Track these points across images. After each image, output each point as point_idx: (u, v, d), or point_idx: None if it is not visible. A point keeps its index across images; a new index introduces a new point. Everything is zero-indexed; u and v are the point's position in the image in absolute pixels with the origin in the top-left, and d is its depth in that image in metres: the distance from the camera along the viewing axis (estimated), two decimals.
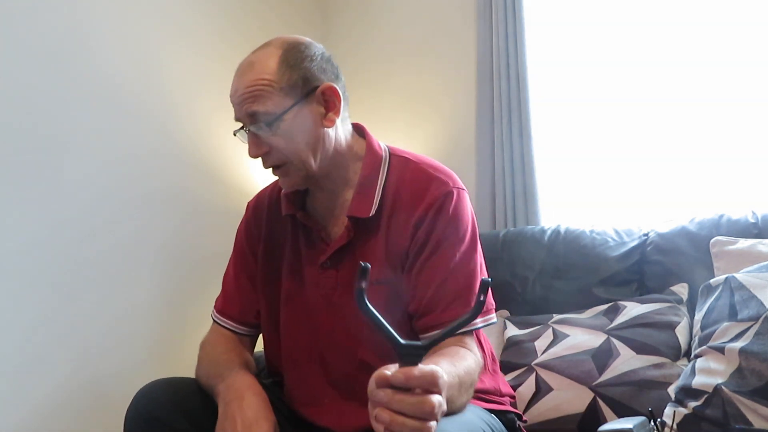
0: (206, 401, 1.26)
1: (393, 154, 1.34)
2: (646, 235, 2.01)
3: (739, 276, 1.59)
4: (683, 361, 1.66)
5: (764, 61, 2.07)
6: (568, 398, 1.66)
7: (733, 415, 1.39)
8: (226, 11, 2.54)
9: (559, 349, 1.75)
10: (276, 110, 1.21)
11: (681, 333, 1.71)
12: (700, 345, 1.56)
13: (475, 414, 1.17)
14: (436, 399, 0.81)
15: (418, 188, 1.26)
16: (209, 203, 2.40)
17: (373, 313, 0.81)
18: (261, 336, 1.45)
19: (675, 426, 1.46)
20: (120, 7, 2.20)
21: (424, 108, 2.68)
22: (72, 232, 2.03)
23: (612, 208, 2.25)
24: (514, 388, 1.68)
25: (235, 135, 1.28)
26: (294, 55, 1.23)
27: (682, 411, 1.47)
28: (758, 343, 1.43)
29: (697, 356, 1.54)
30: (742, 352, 1.44)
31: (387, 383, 0.81)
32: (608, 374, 1.65)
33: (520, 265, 2.10)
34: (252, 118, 1.23)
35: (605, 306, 1.86)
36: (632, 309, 1.79)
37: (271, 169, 1.28)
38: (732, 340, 1.48)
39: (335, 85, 1.25)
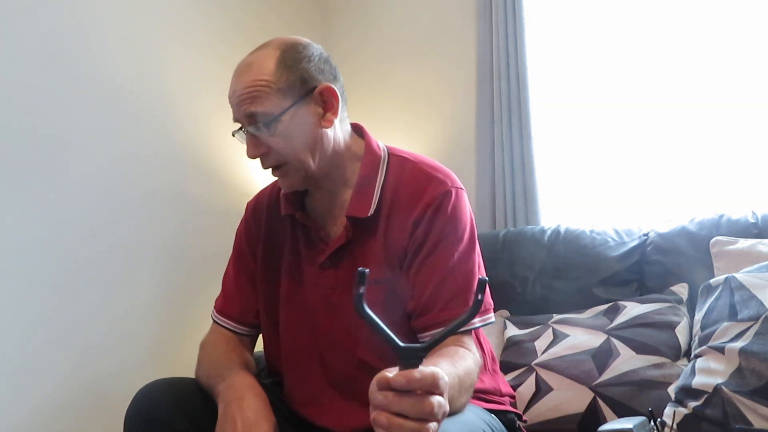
0: (206, 401, 1.26)
1: (392, 154, 1.34)
2: (646, 235, 2.01)
3: (739, 276, 1.59)
4: (683, 361, 1.66)
5: (764, 61, 2.07)
6: (568, 398, 1.66)
7: (733, 415, 1.39)
8: (226, 11, 2.54)
9: (559, 349, 1.75)
10: (274, 111, 1.21)
11: (681, 333, 1.71)
12: (700, 345, 1.56)
13: (475, 414, 1.17)
14: (436, 399, 0.81)
15: (417, 188, 1.26)
16: (209, 203, 2.40)
17: (371, 317, 0.81)
18: (261, 336, 1.45)
19: (675, 426, 1.46)
20: (120, 7, 2.20)
21: (424, 108, 2.68)
22: (72, 232, 2.03)
23: (612, 208, 2.25)
24: (514, 388, 1.68)
25: (233, 136, 1.29)
26: (292, 56, 1.23)
27: (682, 411, 1.47)
28: (758, 343, 1.43)
29: (697, 356, 1.54)
30: (742, 352, 1.44)
31: (388, 386, 0.81)
32: (608, 374, 1.65)
33: (520, 265, 2.10)
34: (250, 119, 1.23)
35: (605, 306, 1.86)
36: (632, 309, 1.79)
37: (270, 169, 1.28)
38: (732, 340, 1.48)
39: (333, 86, 1.25)
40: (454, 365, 1.06)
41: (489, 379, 1.34)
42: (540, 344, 1.80)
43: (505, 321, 1.97)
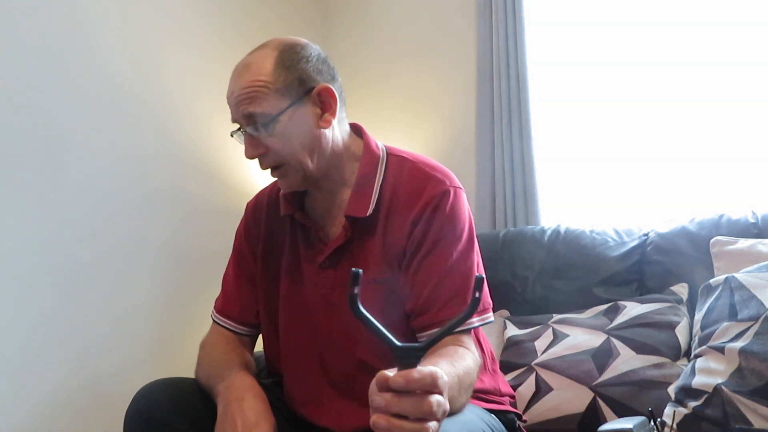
0: (206, 401, 1.26)
1: (390, 154, 1.34)
2: (646, 235, 2.01)
3: (739, 276, 1.59)
4: (683, 361, 1.66)
5: (764, 61, 2.07)
6: (568, 398, 1.66)
7: (733, 415, 1.39)
8: (226, 11, 2.54)
9: (559, 349, 1.75)
10: (272, 111, 1.21)
11: (681, 333, 1.71)
12: (700, 345, 1.56)
13: (475, 414, 1.17)
14: (435, 399, 0.81)
15: (415, 187, 1.26)
16: (209, 203, 2.41)
17: (367, 317, 0.80)
18: (261, 336, 1.45)
19: (675, 426, 1.46)
20: (120, 7, 2.20)
21: (424, 108, 2.68)
22: (72, 232, 2.03)
23: (612, 208, 2.25)
24: (514, 388, 1.68)
25: (232, 136, 1.29)
26: (290, 57, 1.23)
27: (682, 411, 1.47)
28: (758, 343, 1.43)
29: (697, 356, 1.54)
30: (742, 352, 1.44)
31: (387, 387, 0.81)
32: (608, 374, 1.65)
33: (520, 265, 2.10)
34: (248, 120, 1.23)
35: (605, 306, 1.86)
36: (632, 309, 1.79)
37: (269, 170, 1.29)
38: (732, 340, 1.48)
39: (331, 86, 1.26)
40: (454, 365, 1.06)
41: (489, 379, 1.34)
42: (540, 344, 1.80)
43: (505, 321, 1.97)
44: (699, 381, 1.47)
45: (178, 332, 2.26)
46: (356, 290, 0.79)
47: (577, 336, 1.77)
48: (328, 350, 1.30)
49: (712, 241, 1.83)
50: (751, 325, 1.47)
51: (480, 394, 1.28)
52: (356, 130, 1.36)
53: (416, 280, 1.23)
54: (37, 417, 1.93)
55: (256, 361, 1.41)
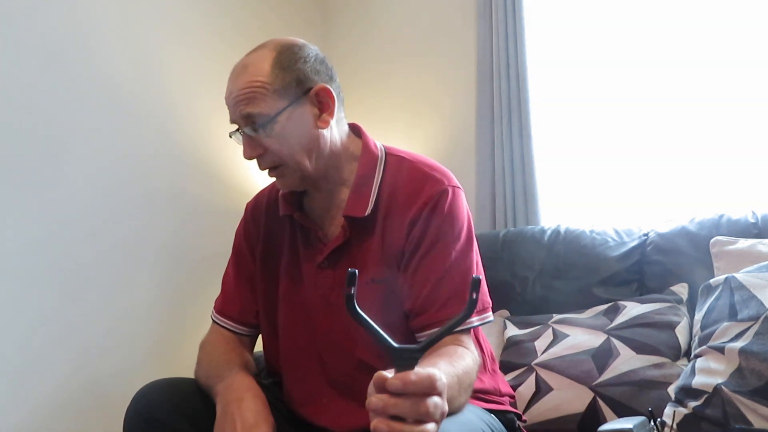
0: (206, 402, 1.26)
1: (389, 154, 1.34)
2: (646, 235, 2.01)
3: (739, 276, 1.59)
4: (683, 361, 1.66)
5: (764, 61, 2.07)
6: (568, 398, 1.66)
7: (733, 415, 1.39)
8: (226, 11, 2.54)
9: (559, 349, 1.75)
10: (270, 112, 1.21)
11: (681, 333, 1.71)
12: (700, 345, 1.56)
13: (475, 414, 1.17)
14: (432, 400, 0.80)
15: (414, 187, 1.26)
16: (209, 203, 2.41)
17: (364, 318, 0.80)
18: (261, 336, 1.45)
19: (675, 426, 1.46)
20: (120, 7, 2.20)
21: (424, 108, 2.67)
22: (72, 232, 2.03)
23: (612, 208, 2.25)
24: (514, 388, 1.68)
25: (230, 137, 1.29)
26: (287, 57, 1.24)
27: (682, 411, 1.47)
28: (758, 343, 1.43)
29: (697, 356, 1.54)
30: (742, 352, 1.44)
31: (384, 389, 0.80)
32: (608, 374, 1.65)
33: (520, 265, 2.10)
34: (246, 120, 1.23)
35: (605, 306, 1.86)
36: (632, 309, 1.79)
37: (267, 170, 1.29)
38: (732, 340, 1.48)
39: (329, 86, 1.26)
40: (453, 365, 1.06)
41: (488, 379, 1.34)
42: (540, 344, 1.80)
43: (505, 321, 1.97)
44: (699, 381, 1.47)
45: (178, 332, 2.26)
46: (352, 290, 0.79)
47: (577, 336, 1.77)
48: (327, 350, 1.30)
49: (712, 241, 1.82)
50: (751, 325, 1.47)
51: (479, 394, 1.28)
52: (355, 130, 1.36)
53: (415, 280, 1.23)
54: (37, 417, 1.93)
55: (256, 361, 1.41)
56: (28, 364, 1.92)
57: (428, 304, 1.21)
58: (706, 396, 1.44)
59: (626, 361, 1.65)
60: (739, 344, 1.45)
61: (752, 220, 1.85)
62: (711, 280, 1.66)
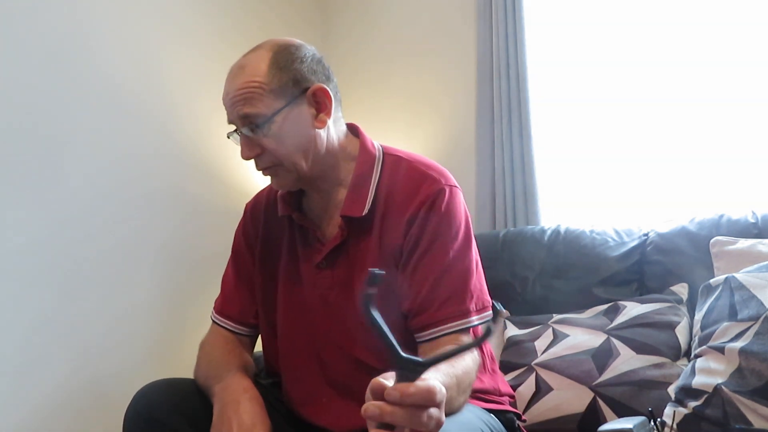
0: (205, 402, 1.26)
1: (386, 153, 1.34)
2: (646, 235, 2.01)
3: (739, 276, 1.58)
4: (683, 361, 1.66)
5: (764, 61, 2.06)
6: (568, 398, 1.66)
7: (733, 415, 1.39)
8: (226, 11, 2.54)
9: (559, 349, 1.75)
10: (267, 112, 1.21)
11: (681, 333, 1.71)
12: (700, 345, 1.56)
13: (474, 414, 1.17)
14: (428, 412, 0.80)
15: (411, 186, 1.26)
16: (209, 203, 2.41)
17: (377, 322, 0.79)
18: (260, 336, 1.45)
19: (675, 426, 1.46)
20: (120, 7, 2.20)
21: (424, 108, 2.67)
22: (72, 232, 2.03)
23: (612, 208, 2.25)
24: (514, 388, 1.68)
25: (228, 137, 1.29)
26: (284, 57, 1.24)
27: (682, 411, 1.46)
28: (758, 343, 1.43)
29: (697, 356, 1.54)
30: (742, 352, 1.44)
31: (382, 397, 0.80)
32: (608, 374, 1.65)
33: (520, 265, 2.10)
34: (244, 121, 1.23)
35: (605, 306, 1.86)
36: (632, 309, 1.79)
37: (262, 170, 1.29)
38: (732, 340, 1.48)
39: (326, 86, 1.26)
40: (453, 365, 1.06)
41: (488, 379, 1.34)
42: (540, 344, 1.80)
43: (505, 321, 1.97)
44: (699, 381, 1.47)
45: (178, 332, 2.26)
46: (372, 291, 0.77)
47: (577, 336, 1.77)
48: (326, 350, 1.30)
49: (712, 241, 1.82)
50: (751, 325, 1.47)
51: (479, 394, 1.28)
52: (353, 130, 1.36)
53: (414, 280, 1.22)
54: (37, 417, 1.93)
55: (256, 362, 1.41)
56: (28, 364, 1.92)
57: (427, 303, 1.21)
58: (706, 396, 1.44)
59: (626, 361, 1.65)
60: (739, 344, 1.45)
61: (752, 220, 1.85)
62: (711, 280, 1.66)
